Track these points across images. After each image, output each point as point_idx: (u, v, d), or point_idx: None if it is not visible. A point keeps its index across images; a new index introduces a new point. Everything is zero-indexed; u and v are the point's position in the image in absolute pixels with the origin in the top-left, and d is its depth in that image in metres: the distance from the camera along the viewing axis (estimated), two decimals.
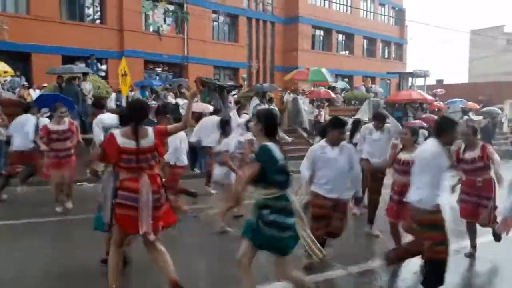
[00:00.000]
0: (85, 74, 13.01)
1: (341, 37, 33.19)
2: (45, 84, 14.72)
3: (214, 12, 25.33)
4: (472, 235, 5.00)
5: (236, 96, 17.67)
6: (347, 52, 33.50)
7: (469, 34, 52.54)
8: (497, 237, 4.93)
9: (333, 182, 4.28)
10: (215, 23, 26.10)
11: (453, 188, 5.04)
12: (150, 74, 22.21)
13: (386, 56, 36.80)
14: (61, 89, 12.16)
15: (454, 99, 22.27)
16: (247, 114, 8.96)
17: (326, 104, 17.93)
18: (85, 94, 12.37)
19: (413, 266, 4.65)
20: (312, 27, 30.27)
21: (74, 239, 5.46)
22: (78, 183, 8.15)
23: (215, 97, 14.47)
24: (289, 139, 6.55)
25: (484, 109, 21.50)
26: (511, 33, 49.17)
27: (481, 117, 20.32)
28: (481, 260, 4.88)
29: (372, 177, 5.73)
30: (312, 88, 19.82)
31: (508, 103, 24.83)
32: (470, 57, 50.93)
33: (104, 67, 18.21)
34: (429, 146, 3.66)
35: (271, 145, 3.14)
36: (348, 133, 6.33)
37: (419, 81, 22.71)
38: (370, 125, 6.09)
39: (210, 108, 12.42)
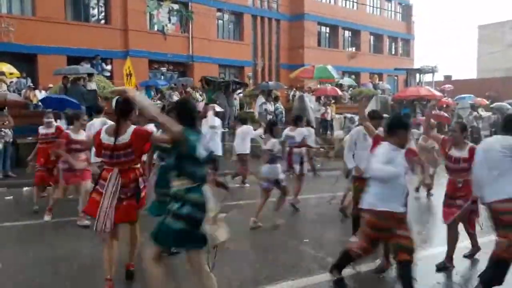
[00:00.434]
0: (90, 75, 13.01)
1: (347, 33, 32.95)
2: (50, 85, 14.74)
3: (219, 10, 25.24)
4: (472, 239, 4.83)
5: (241, 94, 17.60)
6: (353, 48, 33.24)
7: (477, 29, 52.00)
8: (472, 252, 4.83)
9: None
10: (220, 22, 26.00)
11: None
12: (155, 73, 22.19)
13: (393, 52, 36.49)
14: (66, 90, 12.17)
15: (462, 95, 22.02)
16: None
17: (333, 101, 17.78)
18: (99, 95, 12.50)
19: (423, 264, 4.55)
20: (317, 24, 30.05)
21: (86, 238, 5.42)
22: None
23: (221, 96, 14.40)
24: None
25: (494, 104, 21.21)
26: None
27: (490, 113, 20.06)
28: None
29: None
30: (319, 86, 19.67)
31: None
32: (478, 53, 50.38)
33: (109, 67, 18.22)
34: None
35: (189, 133, 2.98)
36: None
37: (427, 77, 22.45)
38: (362, 128, 5.32)
39: (216, 107, 12.34)
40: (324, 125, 16.21)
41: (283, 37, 29.00)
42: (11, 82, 14.38)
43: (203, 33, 23.68)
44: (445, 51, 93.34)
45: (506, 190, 3.59)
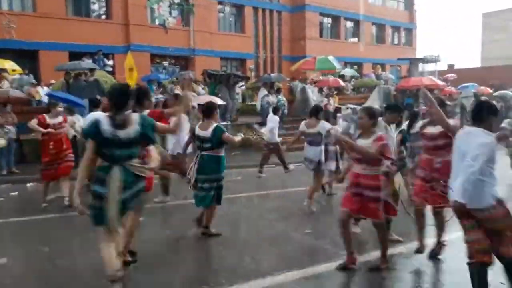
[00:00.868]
0: (92, 70, 13.02)
1: (349, 24, 32.73)
2: (53, 81, 14.78)
3: (220, 3, 25.15)
4: (439, 229, 4.51)
5: (243, 87, 17.57)
6: (356, 39, 33.05)
7: (481, 17, 51.50)
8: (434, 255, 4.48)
9: None
10: (221, 14, 25.91)
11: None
12: (157, 67, 22.19)
13: (395, 42, 36.23)
14: (69, 86, 12.20)
15: (466, 84, 21.86)
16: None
17: (335, 92, 17.72)
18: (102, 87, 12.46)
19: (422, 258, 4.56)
20: (319, 15, 29.87)
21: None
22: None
23: (223, 89, 14.39)
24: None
25: (497, 93, 21.06)
26: None
27: (494, 102, 19.93)
28: None
29: None
30: (321, 77, 19.61)
31: None
32: (482, 41, 49.95)
33: (111, 62, 18.25)
34: None
35: (101, 117, 3.33)
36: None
37: (430, 67, 22.34)
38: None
39: (218, 100, 12.36)
40: (326, 116, 16.17)
41: (284, 29, 28.86)
42: (13, 78, 14.42)
43: (204, 26, 23.61)
44: (448, 40, 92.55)
45: None
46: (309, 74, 20.70)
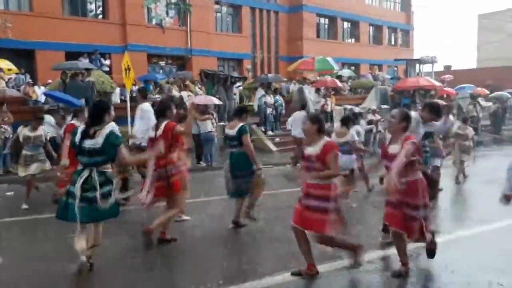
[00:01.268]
0: (88, 70, 12.97)
1: (346, 24, 32.81)
2: (49, 81, 14.73)
3: (217, 3, 25.11)
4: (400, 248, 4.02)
5: (241, 87, 17.57)
6: (353, 39, 33.12)
7: (477, 18, 51.75)
8: (430, 253, 4.22)
9: None
10: (218, 14, 25.89)
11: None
12: (154, 67, 22.16)
13: (392, 43, 36.35)
14: (65, 85, 12.15)
15: (462, 85, 21.95)
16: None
17: (333, 93, 17.74)
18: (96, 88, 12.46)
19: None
20: (316, 15, 29.92)
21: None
22: None
23: (220, 89, 14.38)
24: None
25: (493, 94, 21.17)
26: None
27: (490, 103, 20.02)
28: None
29: None
30: (318, 78, 19.62)
31: None
32: (478, 42, 50.19)
33: (107, 62, 18.22)
34: None
35: (76, 128, 3.98)
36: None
37: (426, 68, 22.42)
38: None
39: (215, 100, 12.35)
40: (324, 117, 16.20)
41: (281, 29, 28.89)
42: (9, 78, 14.36)
43: (201, 26, 23.60)
44: (445, 41, 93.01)
45: None
46: (306, 74, 20.71)
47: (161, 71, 20.92)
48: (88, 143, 3.76)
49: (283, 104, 15.54)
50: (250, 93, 17.26)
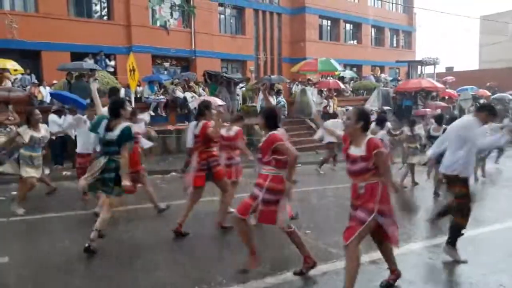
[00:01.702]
0: (92, 70, 13.11)
1: (348, 26, 32.89)
2: (55, 81, 14.88)
3: (221, 5, 25.26)
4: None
5: (244, 88, 17.70)
6: (355, 41, 33.20)
7: (479, 20, 51.68)
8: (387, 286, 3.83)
9: None
10: (222, 16, 26.03)
11: None
12: (158, 68, 22.29)
13: (394, 44, 36.39)
14: (70, 86, 12.31)
15: (464, 87, 22.03)
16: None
17: (335, 94, 17.85)
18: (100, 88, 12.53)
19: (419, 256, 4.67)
20: (319, 17, 30.01)
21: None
22: None
23: (223, 90, 14.51)
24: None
25: (495, 95, 21.24)
26: None
27: (492, 104, 20.08)
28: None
29: None
30: (320, 79, 19.73)
31: None
32: (480, 43, 50.14)
33: (112, 63, 18.35)
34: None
35: (103, 122, 4.64)
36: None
37: (428, 69, 22.50)
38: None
39: (218, 101, 12.48)
40: (326, 118, 16.28)
41: (284, 31, 29.00)
42: (15, 78, 14.51)
43: (205, 28, 23.74)
44: (447, 43, 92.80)
45: None
46: (308, 75, 20.81)
47: (165, 72, 21.04)
48: (108, 135, 4.56)
49: (286, 105, 15.65)
50: (253, 94, 17.39)
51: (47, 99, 13.45)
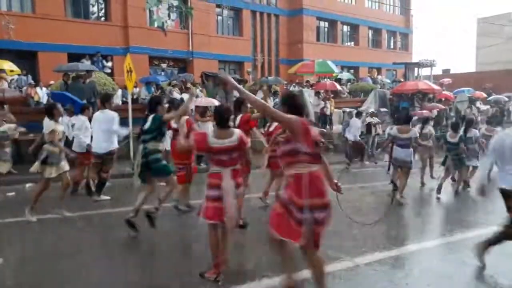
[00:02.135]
0: (89, 71, 13.08)
1: (346, 28, 32.98)
2: (51, 82, 14.83)
3: (218, 6, 25.28)
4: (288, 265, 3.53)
5: None
6: (352, 43, 33.28)
7: (476, 22, 51.92)
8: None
9: None
10: (219, 17, 26.05)
11: None
12: (156, 70, 22.27)
13: (391, 46, 36.51)
14: (67, 87, 12.26)
15: (461, 89, 22.10)
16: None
17: (332, 96, 17.88)
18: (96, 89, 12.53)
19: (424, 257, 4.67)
20: (316, 19, 30.08)
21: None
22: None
23: (220, 91, 14.50)
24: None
25: (492, 97, 21.32)
26: None
27: (488, 106, 20.16)
28: None
29: None
30: (318, 81, 19.77)
31: None
32: (477, 46, 50.37)
33: (109, 64, 18.31)
34: None
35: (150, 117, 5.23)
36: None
37: (425, 71, 22.55)
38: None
39: (216, 102, 12.46)
40: (323, 120, 16.32)
41: (282, 32, 29.05)
42: (12, 79, 14.47)
43: (203, 29, 23.75)
44: (443, 45, 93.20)
45: None
46: (305, 77, 20.84)
47: (162, 73, 21.04)
48: (145, 126, 5.26)
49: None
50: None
51: (44, 100, 13.41)
